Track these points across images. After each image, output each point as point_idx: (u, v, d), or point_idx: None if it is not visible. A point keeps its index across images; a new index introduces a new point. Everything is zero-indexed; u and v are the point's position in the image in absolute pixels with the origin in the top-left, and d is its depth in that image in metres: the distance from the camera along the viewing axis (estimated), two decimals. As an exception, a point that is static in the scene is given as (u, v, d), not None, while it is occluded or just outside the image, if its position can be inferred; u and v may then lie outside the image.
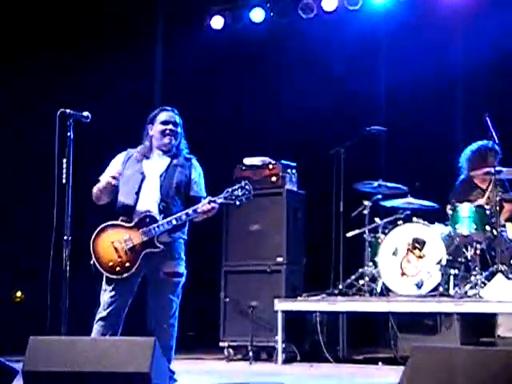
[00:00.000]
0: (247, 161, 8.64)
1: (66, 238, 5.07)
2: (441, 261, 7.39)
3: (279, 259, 8.25)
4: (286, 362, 7.81)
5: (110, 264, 5.30)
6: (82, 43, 9.85)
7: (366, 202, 8.14)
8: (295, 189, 8.56)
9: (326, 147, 8.37)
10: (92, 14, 9.92)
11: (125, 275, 5.29)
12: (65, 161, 5.13)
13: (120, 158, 5.72)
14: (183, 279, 5.54)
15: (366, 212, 8.13)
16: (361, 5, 9.71)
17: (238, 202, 5.39)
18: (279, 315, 7.80)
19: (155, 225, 5.33)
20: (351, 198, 8.30)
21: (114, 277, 5.31)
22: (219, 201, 5.36)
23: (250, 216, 8.44)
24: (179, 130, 5.72)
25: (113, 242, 5.33)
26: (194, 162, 5.73)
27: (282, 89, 10.09)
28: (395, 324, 7.79)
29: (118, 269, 5.29)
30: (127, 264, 5.29)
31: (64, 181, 5.09)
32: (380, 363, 7.60)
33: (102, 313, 5.34)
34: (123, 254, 5.31)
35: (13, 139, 9.50)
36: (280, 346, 7.80)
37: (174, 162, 5.61)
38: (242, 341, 8.16)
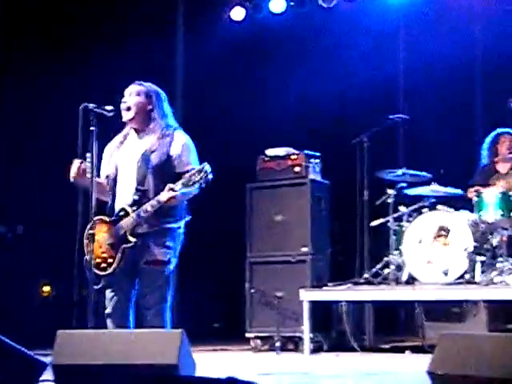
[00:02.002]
0: (270, 151, 8.64)
1: (91, 232, 5.07)
2: (467, 248, 7.35)
3: (304, 249, 8.25)
4: (312, 352, 7.81)
5: (97, 260, 5.13)
6: (104, 36, 9.89)
7: (390, 191, 8.10)
8: (319, 178, 8.55)
9: (349, 136, 8.35)
10: (113, 5, 9.96)
11: (109, 271, 5.12)
12: (88, 155, 5.13)
13: (110, 146, 5.43)
14: (169, 268, 5.20)
15: (390, 200, 8.10)
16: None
17: (196, 186, 5.00)
18: (305, 305, 7.80)
19: (125, 220, 5.11)
20: (375, 187, 8.28)
21: (100, 273, 5.13)
22: (177, 188, 4.98)
23: (274, 206, 8.45)
24: (138, 99, 5.25)
25: (98, 238, 5.14)
26: (176, 134, 5.28)
27: (304, 79, 10.08)
28: (422, 312, 7.77)
29: (102, 265, 5.13)
30: (109, 260, 5.12)
31: (88, 175, 5.10)
32: (407, 352, 7.59)
33: (107, 309, 5.30)
34: (106, 250, 5.14)
35: (37, 133, 9.57)
36: (307, 336, 7.80)
37: (151, 140, 5.24)
38: (269, 331, 8.17)
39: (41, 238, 9.86)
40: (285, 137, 9.14)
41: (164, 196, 5.02)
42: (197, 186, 5.02)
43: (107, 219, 5.23)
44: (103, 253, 5.16)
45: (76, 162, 5.17)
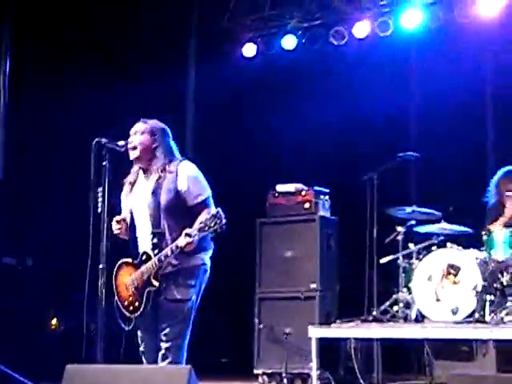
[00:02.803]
0: (280, 187, 8.66)
1: (101, 266, 5.09)
2: (476, 287, 7.33)
3: (313, 286, 8.24)
4: (320, 388, 7.78)
5: (126, 303, 5.20)
6: (117, 69, 10.00)
7: (400, 228, 8.10)
8: (328, 215, 8.57)
9: (359, 173, 8.37)
10: (126, 39, 10.06)
11: (136, 314, 5.16)
12: (100, 189, 5.16)
13: (123, 192, 5.46)
14: (188, 305, 5.21)
15: (399, 238, 8.09)
16: (392, 31, 9.74)
17: (212, 232, 4.98)
18: (313, 342, 7.76)
19: (147, 264, 5.12)
20: (385, 224, 8.28)
21: (129, 315, 5.18)
22: (193, 233, 4.95)
23: (284, 242, 8.46)
24: (142, 137, 5.25)
25: (124, 281, 5.22)
26: (180, 167, 5.24)
27: (315, 115, 10.12)
28: (430, 350, 7.73)
29: (130, 308, 5.18)
30: (136, 304, 5.16)
31: (99, 209, 5.13)
32: (415, 390, 7.55)
33: (140, 347, 5.32)
34: (132, 294, 5.17)
35: (51, 167, 9.64)
36: (315, 373, 7.75)
37: (159, 179, 5.21)
38: (277, 368, 8.14)
39: (50, 270, 9.88)
40: (295, 173, 9.18)
41: (181, 242, 5.02)
42: (211, 231, 4.98)
43: (131, 262, 5.25)
44: (130, 296, 5.19)
45: (116, 221, 5.26)
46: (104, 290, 5.06)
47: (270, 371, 8.28)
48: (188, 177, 5.21)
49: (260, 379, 8.32)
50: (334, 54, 10.10)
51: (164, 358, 5.14)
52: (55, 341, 9.95)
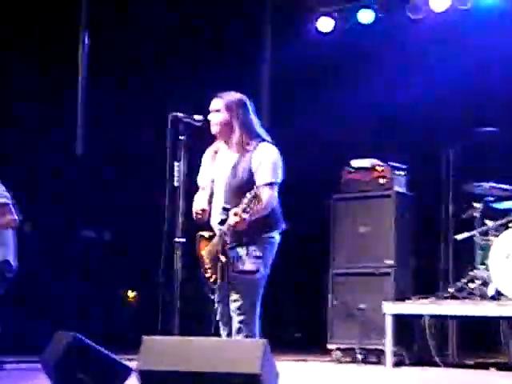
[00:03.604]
0: (355, 163, 8.61)
1: (177, 239, 5.15)
2: (555, 264, 7.20)
3: (388, 262, 8.19)
4: (395, 365, 7.75)
5: (206, 274, 5.24)
6: (191, 44, 10.06)
7: (477, 204, 7.98)
8: (404, 191, 8.48)
9: (436, 148, 8.27)
10: (199, 18, 10.11)
11: (215, 286, 5.21)
12: (177, 164, 5.21)
13: (205, 158, 5.41)
14: (258, 277, 5.19)
15: (476, 214, 7.98)
16: (471, 4, 9.55)
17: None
18: (388, 318, 7.74)
19: (214, 240, 5.17)
20: (461, 200, 8.17)
21: (212, 286, 5.25)
22: (240, 212, 4.89)
23: (359, 218, 8.42)
24: (219, 114, 5.22)
25: (202, 254, 5.27)
26: (259, 147, 5.18)
27: (392, 89, 10.00)
28: (508, 329, 7.63)
29: (210, 279, 5.23)
30: (214, 276, 5.19)
31: (176, 184, 5.17)
32: (492, 368, 7.47)
33: (217, 317, 5.40)
34: (209, 266, 5.19)
35: (128, 143, 9.77)
36: (389, 350, 7.74)
37: (236, 156, 5.21)
38: (350, 343, 8.15)
39: (127, 243, 10.05)
40: (371, 148, 9.10)
41: (231, 220, 5.01)
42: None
43: (206, 235, 5.27)
44: (209, 268, 5.22)
45: (199, 205, 5.27)
46: (180, 264, 5.13)
47: (343, 346, 8.29)
48: (263, 159, 5.16)
49: (333, 354, 8.33)
50: (411, 28, 9.94)
51: (239, 331, 5.19)
52: (132, 313, 10.13)
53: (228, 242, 5.13)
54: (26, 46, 9.60)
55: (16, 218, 6.91)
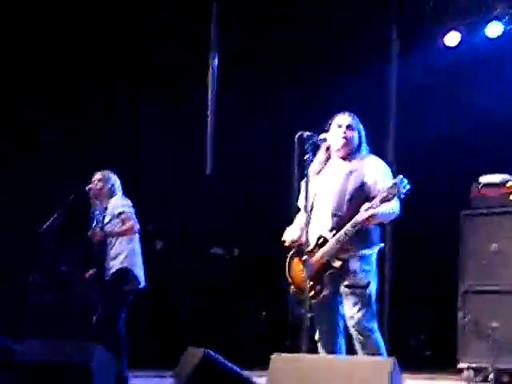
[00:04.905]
0: (485, 178, 8.43)
1: (304, 258, 5.17)
2: None
3: (521, 279, 7.98)
4: (528, 386, 7.54)
5: (302, 286, 5.20)
6: (317, 62, 10.13)
7: None
8: (537, 206, 8.23)
9: None
10: (323, 36, 10.19)
11: (318, 298, 5.24)
12: (303, 182, 5.26)
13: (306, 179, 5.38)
14: (370, 290, 5.24)
15: None
16: None
17: (395, 199, 5.05)
18: (522, 337, 7.54)
19: (324, 248, 5.21)
20: None
21: (312, 301, 5.23)
22: (375, 204, 5.03)
23: (489, 235, 8.24)
24: (355, 133, 5.45)
25: (299, 269, 5.28)
26: (369, 159, 5.41)
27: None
28: None
29: (311, 293, 5.22)
30: (317, 287, 5.23)
31: (301, 203, 5.25)
32: None
33: (316, 335, 5.40)
34: (307, 281, 5.14)
35: (254, 161, 9.92)
36: (523, 370, 7.53)
37: (350, 167, 5.35)
38: (482, 362, 7.96)
39: (256, 259, 10.16)
40: (501, 163, 8.89)
41: (361, 216, 5.07)
42: (395, 198, 5.05)
43: (306, 249, 5.25)
44: (305, 281, 5.15)
45: (290, 235, 5.42)
46: (308, 279, 5.15)
47: (475, 365, 8.10)
48: (377, 169, 5.32)
49: (465, 373, 8.15)
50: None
51: (362, 349, 5.19)
52: (260, 329, 10.21)
53: (342, 249, 5.16)
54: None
55: (135, 225, 7.14)
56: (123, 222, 7.08)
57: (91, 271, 7.34)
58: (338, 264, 5.19)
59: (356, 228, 5.13)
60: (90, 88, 10.19)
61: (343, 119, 5.47)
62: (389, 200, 5.04)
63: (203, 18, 10.10)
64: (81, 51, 10.04)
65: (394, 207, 5.21)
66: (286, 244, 5.45)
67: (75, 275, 8.73)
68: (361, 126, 5.51)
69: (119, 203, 7.20)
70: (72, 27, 9.89)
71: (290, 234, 5.47)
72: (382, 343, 5.24)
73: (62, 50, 9.98)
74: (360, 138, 5.48)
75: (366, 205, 5.09)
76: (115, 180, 7.36)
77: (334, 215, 5.24)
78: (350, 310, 5.24)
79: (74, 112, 10.12)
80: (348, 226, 5.15)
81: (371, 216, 5.07)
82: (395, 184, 5.03)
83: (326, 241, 5.24)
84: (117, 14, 9.90)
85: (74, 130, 10.16)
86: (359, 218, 5.09)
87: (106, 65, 10.12)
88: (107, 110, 10.36)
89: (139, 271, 7.14)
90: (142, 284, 7.13)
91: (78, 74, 10.10)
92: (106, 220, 7.19)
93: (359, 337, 5.20)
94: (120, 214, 7.09)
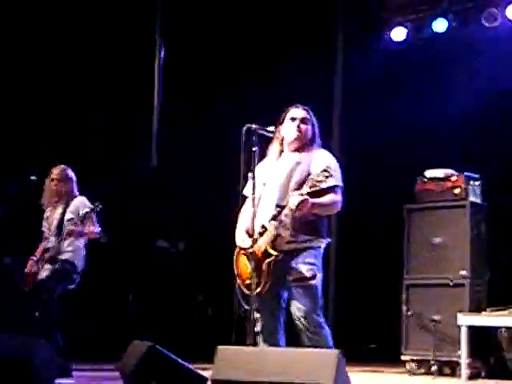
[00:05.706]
0: (429, 173, 8.53)
1: (249, 251, 5.16)
2: None
3: (463, 273, 8.08)
4: (470, 378, 7.64)
5: (247, 282, 5.19)
6: (264, 57, 10.15)
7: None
8: (479, 201, 8.36)
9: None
10: (275, 27, 10.21)
11: (257, 291, 5.12)
12: (250, 174, 5.26)
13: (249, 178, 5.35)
14: (316, 283, 5.22)
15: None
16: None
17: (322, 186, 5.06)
18: (463, 330, 7.63)
19: (264, 235, 5.17)
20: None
21: (249, 293, 5.14)
22: (304, 191, 5.04)
23: (432, 229, 8.34)
24: (309, 127, 5.44)
25: (244, 261, 5.26)
26: (318, 152, 5.40)
27: (467, 98, 9.88)
28: None
29: (256, 286, 5.11)
30: (262, 280, 5.15)
31: (248, 194, 5.25)
32: None
33: (256, 327, 5.36)
34: (251, 270, 5.09)
35: (202, 154, 9.90)
36: (464, 362, 7.63)
37: (298, 159, 5.35)
38: (425, 355, 8.06)
39: (200, 255, 10.13)
40: (444, 158, 9.01)
41: (293, 200, 5.07)
42: (339, 192, 5.14)
43: (244, 246, 5.26)
44: (249, 273, 5.12)
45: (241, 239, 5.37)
46: (254, 274, 5.13)
47: (417, 358, 8.20)
48: (321, 163, 5.25)
49: (408, 365, 8.25)
50: (486, 36, 9.83)
51: (309, 340, 5.19)
52: (204, 323, 10.21)
53: (280, 236, 5.15)
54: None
55: (98, 229, 7.12)
56: (84, 223, 6.99)
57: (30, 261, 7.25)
58: (273, 253, 5.15)
59: (291, 213, 5.09)
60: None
61: (297, 112, 5.47)
62: (316, 186, 5.04)
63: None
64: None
65: (333, 199, 5.23)
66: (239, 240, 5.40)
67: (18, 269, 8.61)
68: (315, 120, 5.51)
69: (87, 204, 7.09)
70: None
71: (240, 238, 5.42)
72: (329, 336, 5.25)
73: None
74: (314, 132, 5.48)
75: (296, 192, 5.09)
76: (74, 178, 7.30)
77: (277, 205, 5.23)
78: (297, 303, 5.23)
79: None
80: (284, 211, 5.14)
81: (302, 203, 5.05)
82: (324, 170, 5.03)
83: (266, 230, 5.21)
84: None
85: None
86: (291, 202, 5.08)
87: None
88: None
89: (82, 264, 7.12)
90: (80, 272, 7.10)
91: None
92: (67, 217, 7.10)
93: (306, 329, 5.20)
94: (85, 214, 6.97)
